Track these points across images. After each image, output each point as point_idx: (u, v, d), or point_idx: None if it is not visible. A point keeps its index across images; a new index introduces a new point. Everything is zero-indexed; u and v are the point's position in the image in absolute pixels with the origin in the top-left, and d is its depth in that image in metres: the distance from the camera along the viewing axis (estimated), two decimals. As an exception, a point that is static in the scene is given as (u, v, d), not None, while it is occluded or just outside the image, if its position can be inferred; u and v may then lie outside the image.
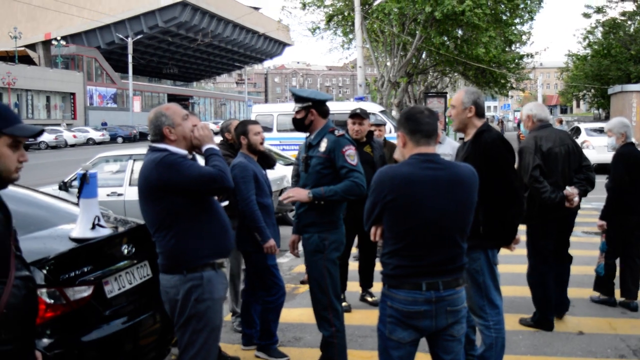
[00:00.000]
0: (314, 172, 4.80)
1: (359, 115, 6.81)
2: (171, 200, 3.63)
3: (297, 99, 4.91)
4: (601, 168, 21.76)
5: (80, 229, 4.25)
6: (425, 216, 3.27)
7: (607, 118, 40.81)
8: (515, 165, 4.79)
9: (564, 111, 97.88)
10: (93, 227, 4.26)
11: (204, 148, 3.79)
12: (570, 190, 5.96)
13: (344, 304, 6.81)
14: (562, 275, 6.45)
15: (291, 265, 9.08)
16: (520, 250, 9.43)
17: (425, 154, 3.35)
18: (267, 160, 5.95)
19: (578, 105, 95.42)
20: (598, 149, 21.94)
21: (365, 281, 7.32)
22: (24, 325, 2.62)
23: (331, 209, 4.78)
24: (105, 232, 4.32)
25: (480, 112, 4.62)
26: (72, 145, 49.71)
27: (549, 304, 6.19)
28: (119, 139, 56.42)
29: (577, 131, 24.19)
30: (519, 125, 44.45)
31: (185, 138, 3.78)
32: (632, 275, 6.80)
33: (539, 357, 5.55)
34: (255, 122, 5.74)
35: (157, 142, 3.78)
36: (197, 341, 3.73)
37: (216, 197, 4.12)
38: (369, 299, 7.21)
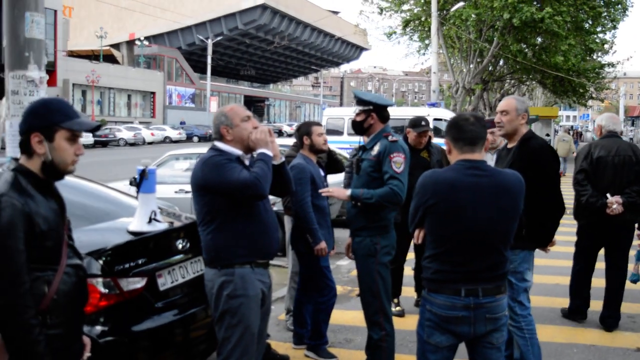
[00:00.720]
0: (364, 175, 4.85)
1: (421, 126, 6.80)
2: (213, 198, 3.76)
3: (359, 101, 4.96)
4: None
5: (137, 223, 4.43)
6: (466, 223, 3.28)
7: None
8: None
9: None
10: (150, 222, 4.42)
11: (257, 152, 3.84)
12: (612, 198, 6.03)
13: (397, 308, 6.84)
14: (608, 283, 6.53)
15: (350, 268, 9.12)
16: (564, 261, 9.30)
17: (470, 161, 3.35)
18: (337, 165, 6.05)
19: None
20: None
21: (421, 286, 7.29)
22: (73, 311, 2.79)
23: (381, 213, 4.81)
24: (161, 226, 4.47)
25: (528, 120, 4.78)
26: (150, 143, 51.07)
27: (578, 293, 6.63)
28: (195, 138, 57.61)
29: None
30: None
31: (242, 139, 3.86)
32: None
33: (593, 372, 5.45)
34: (318, 124, 5.84)
35: (217, 140, 3.91)
36: (232, 337, 3.80)
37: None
38: None
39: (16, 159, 2.77)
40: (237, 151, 3.87)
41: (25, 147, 2.73)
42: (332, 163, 5.90)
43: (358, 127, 5.00)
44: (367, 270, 4.89)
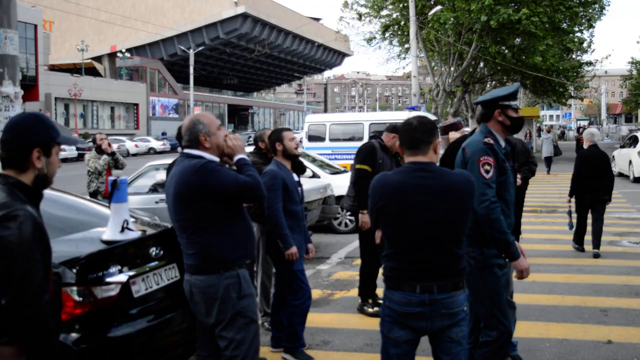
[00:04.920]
0: None
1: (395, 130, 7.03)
2: (208, 203, 3.77)
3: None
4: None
5: (110, 232, 4.51)
6: (414, 223, 3.41)
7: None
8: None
9: (628, 119, 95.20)
10: (122, 230, 4.50)
11: (236, 158, 3.93)
12: None
13: (375, 308, 6.96)
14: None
15: (330, 272, 9.23)
16: (554, 259, 9.45)
17: (418, 163, 3.48)
18: (299, 166, 6.17)
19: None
20: (656, 158, 21.42)
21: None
22: (56, 315, 2.96)
23: None
24: (133, 235, 4.56)
25: None
26: (134, 155, 51.00)
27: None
28: (180, 149, 57.33)
29: (634, 140, 23.61)
30: (578, 131, 43.74)
31: (218, 147, 3.93)
32: (596, 231, 9.98)
33: (564, 365, 5.58)
34: (288, 129, 5.96)
35: (191, 148, 3.93)
36: (247, 336, 3.87)
37: None
38: None
39: (1, 174, 2.78)
40: (216, 158, 3.92)
41: (20, 161, 2.76)
42: (295, 165, 6.02)
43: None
44: (479, 283, 4.45)
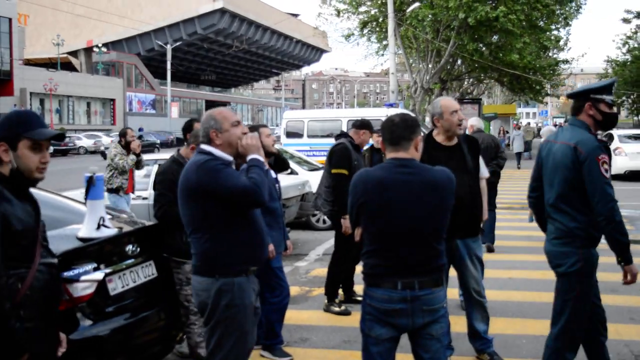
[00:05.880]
0: None
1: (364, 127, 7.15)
2: (208, 204, 3.65)
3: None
4: (634, 175, 21.55)
5: (86, 229, 4.46)
6: (395, 218, 3.41)
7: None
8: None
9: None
10: (98, 228, 4.46)
11: (248, 158, 3.75)
12: None
13: (342, 307, 6.98)
14: None
15: (308, 269, 9.22)
16: (530, 256, 9.53)
17: (400, 159, 3.48)
18: (282, 164, 6.15)
19: (618, 112, 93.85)
20: (630, 155, 21.63)
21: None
22: (46, 305, 2.98)
23: None
24: (109, 232, 4.52)
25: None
26: (110, 150, 50.58)
27: None
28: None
29: (610, 138, 23.87)
30: (555, 127, 44.28)
31: (231, 144, 3.76)
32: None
33: (541, 361, 5.61)
34: (264, 126, 5.93)
35: (205, 144, 3.80)
36: (225, 344, 3.73)
37: None
38: None
39: None
40: (228, 157, 3.77)
41: None
42: (277, 162, 6.00)
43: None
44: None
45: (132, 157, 9.66)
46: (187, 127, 6.62)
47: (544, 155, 4.43)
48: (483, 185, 5.84)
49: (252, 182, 3.60)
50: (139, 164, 9.81)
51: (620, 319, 6.66)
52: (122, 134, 10.04)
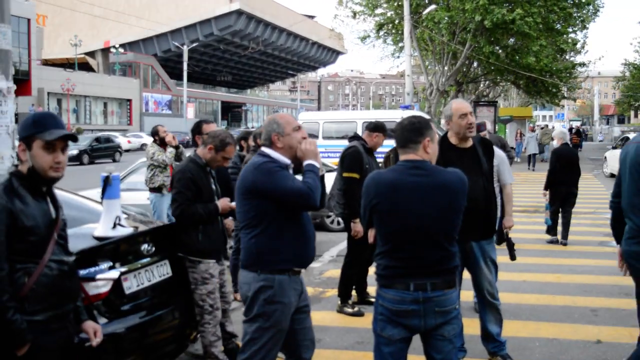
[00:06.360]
0: None
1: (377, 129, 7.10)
2: (261, 202, 3.81)
3: None
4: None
5: (102, 228, 4.52)
6: (407, 220, 3.44)
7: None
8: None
9: (621, 121, 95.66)
10: (114, 227, 4.51)
11: (305, 163, 3.90)
12: None
13: (356, 308, 7.00)
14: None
15: (322, 270, 9.25)
16: (545, 259, 9.49)
17: (412, 161, 3.53)
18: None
19: (636, 115, 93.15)
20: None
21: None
22: (56, 301, 3.08)
23: None
24: (125, 231, 4.57)
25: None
26: (127, 151, 50.78)
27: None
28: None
29: (626, 142, 23.70)
30: (570, 131, 44.09)
31: (291, 148, 3.92)
32: (566, 224, 11.17)
33: (554, 364, 5.61)
34: None
35: (266, 146, 3.95)
36: (260, 339, 3.86)
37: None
38: None
39: (16, 165, 3.18)
40: (286, 160, 3.92)
41: (17, 154, 3.15)
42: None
43: None
44: None
45: (171, 149, 9.42)
46: (196, 129, 6.69)
47: (622, 156, 4.40)
48: (509, 191, 5.86)
49: (307, 186, 3.76)
50: (179, 156, 9.44)
51: (634, 322, 6.48)
52: (154, 132, 9.86)
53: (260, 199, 3.79)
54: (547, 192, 11.33)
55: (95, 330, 3.33)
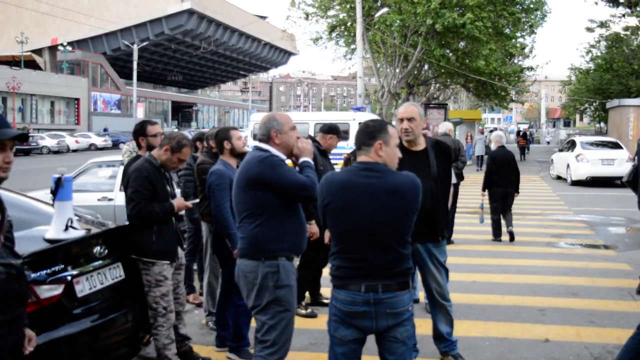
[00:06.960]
0: None
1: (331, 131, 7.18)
2: (264, 193, 4.03)
3: None
4: (595, 181, 21.92)
5: (53, 231, 4.45)
6: (357, 221, 3.48)
7: (607, 132, 40.86)
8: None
9: (567, 124, 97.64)
10: (66, 229, 4.45)
11: (301, 160, 4.24)
12: None
13: (309, 310, 7.03)
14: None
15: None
16: (493, 260, 9.67)
17: (365, 162, 3.57)
18: None
19: (581, 119, 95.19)
20: (592, 162, 21.94)
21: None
22: (2, 305, 2.92)
23: None
24: (77, 233, 4.50)
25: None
26: (75, 151, 49.95)
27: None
28: (121, 145, 56.50)
29: (572, 144, 24.25)
30: (518, 134, 45.01)
31: (287, 146, 4.22)
32: (508, 217, 11.73)
33: (503, 363, 5.72)
34: (235, 128, 5.96)
35: (263, 142, 4.20)
36: (279, 324, 4.06)
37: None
38: None
39: None
40: (282, 155, 4.20)
41: None
42: None
43: None
44: None
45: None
46: (139, 130, 6.45)
47: None
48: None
49: (309, 179, 4.09)
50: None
51: (581, 321, 6.82)
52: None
53: (265, 190, 4.02)
54: (485, 193, 11.86)
55: (29, 338, 3.17)
